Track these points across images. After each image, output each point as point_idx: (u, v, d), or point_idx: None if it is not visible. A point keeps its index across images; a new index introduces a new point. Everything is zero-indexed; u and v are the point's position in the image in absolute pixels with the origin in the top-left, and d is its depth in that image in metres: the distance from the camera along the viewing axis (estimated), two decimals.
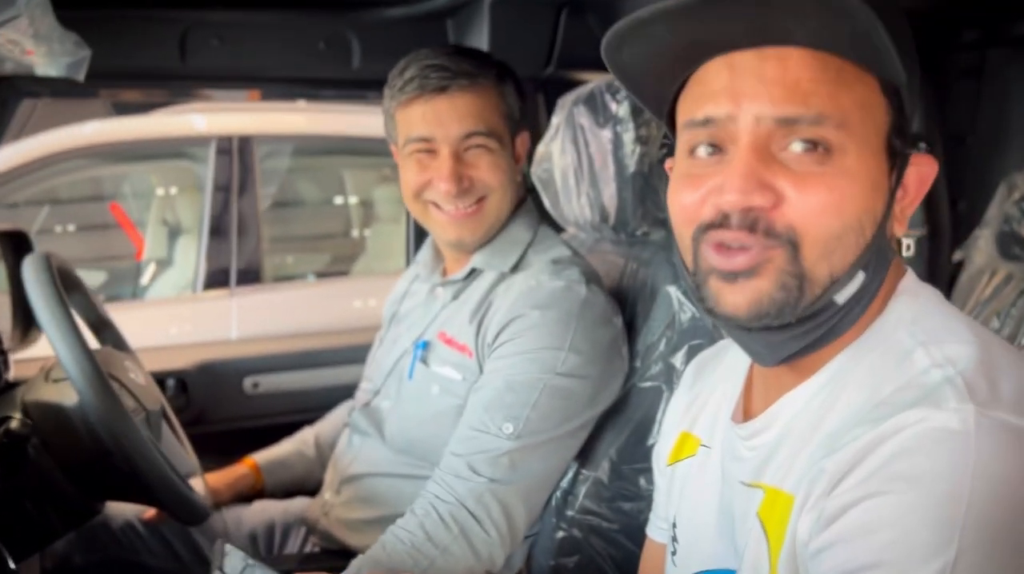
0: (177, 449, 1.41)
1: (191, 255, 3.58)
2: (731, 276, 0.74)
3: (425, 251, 1.51)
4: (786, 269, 0.72)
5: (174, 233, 3.87)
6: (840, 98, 0.71)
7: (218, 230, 3.47)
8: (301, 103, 3.95)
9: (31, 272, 1.19)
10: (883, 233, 0.75)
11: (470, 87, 1.29)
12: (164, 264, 3.85)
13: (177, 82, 1.76)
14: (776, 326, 0.75)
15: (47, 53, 1.46)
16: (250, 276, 3.48)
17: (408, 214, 2.29)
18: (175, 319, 2.78)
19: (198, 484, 1.42)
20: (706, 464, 0.92)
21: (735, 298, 0.74)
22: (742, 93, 0.72)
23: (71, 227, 4.10)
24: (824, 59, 0.72)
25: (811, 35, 0.70)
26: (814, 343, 0.77)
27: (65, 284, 1.40)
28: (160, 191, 3.89)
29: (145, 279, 3.87)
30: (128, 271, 3.98)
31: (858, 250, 0.73)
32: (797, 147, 0.71)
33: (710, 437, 0.94)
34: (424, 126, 1.30)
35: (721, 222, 0.73)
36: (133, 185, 4.01)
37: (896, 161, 0.75)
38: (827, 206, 0.70)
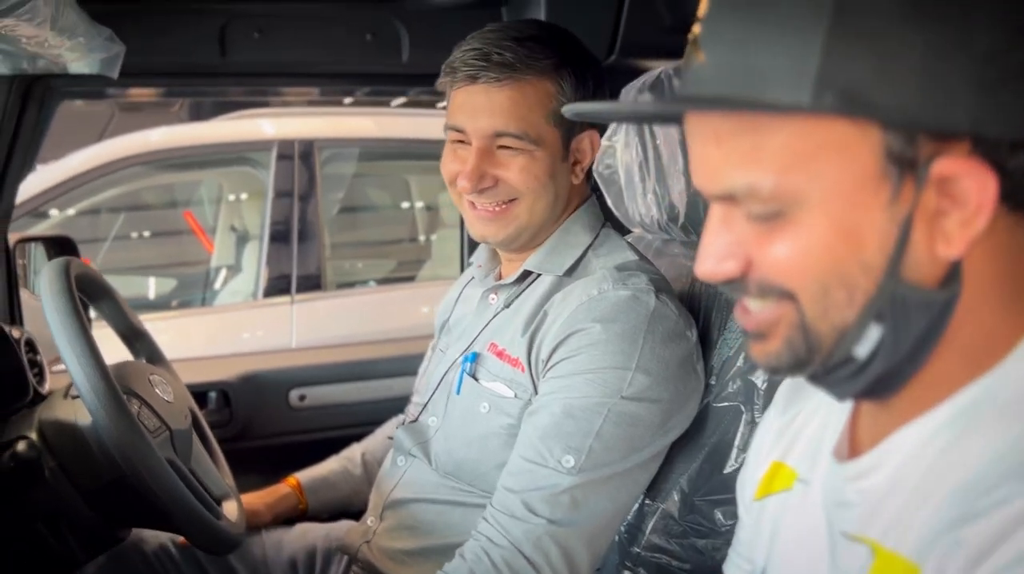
0: (210, 470, 1.31)
1: (255, 262, 3.55)
2: (749, 335, 0.68)
3: (483, 250, 1.38)
4: (793, 323, 0.63)
5: (242, 239, 3.86)
6: (762, 160, 0.59)
7: (279, 236, 3.43)
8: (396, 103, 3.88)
9: (46, 279, 1.10)
10: (896, 277, 0.60)
11: (507, 81, 1.15)
12: (233, 270, 3.84)
13: (218, 79, 1.68)
14: (809, 375, 0.66)
15: (76, 48, 1.39)
16: (311, 283, 3.42)
17: (461, 251, 2.17)
18: (232, 328, 2.71)
19: (232, 507, 1.32)
20: (805, 504, 0.76)
21: (754, 353, 0.68)
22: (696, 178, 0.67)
23: (146, 233, 4.12)
24: (737, 122, 0.61)
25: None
26: (885, 382, 0.64)
27: (92, 293, 1.32)
28: (228, 197, 3.88)
29: (216, 285, 3.87)
30: (198, 278, 3.98)
31: (858, 304, 0.60)
32: (747, 219, 0.63)
33: (809, 471, 0.77)
34: (460, 115, 1.19)
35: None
36: (202, 191, 4.01)
37: (913, 179, 0.58)
38: (791, 262, 0.61)
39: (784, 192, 0.59)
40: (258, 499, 1.52)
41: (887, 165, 0.58)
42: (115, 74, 1.46)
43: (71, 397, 1.14)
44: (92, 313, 1.42)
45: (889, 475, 0.65)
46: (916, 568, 0.59)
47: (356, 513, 1.52)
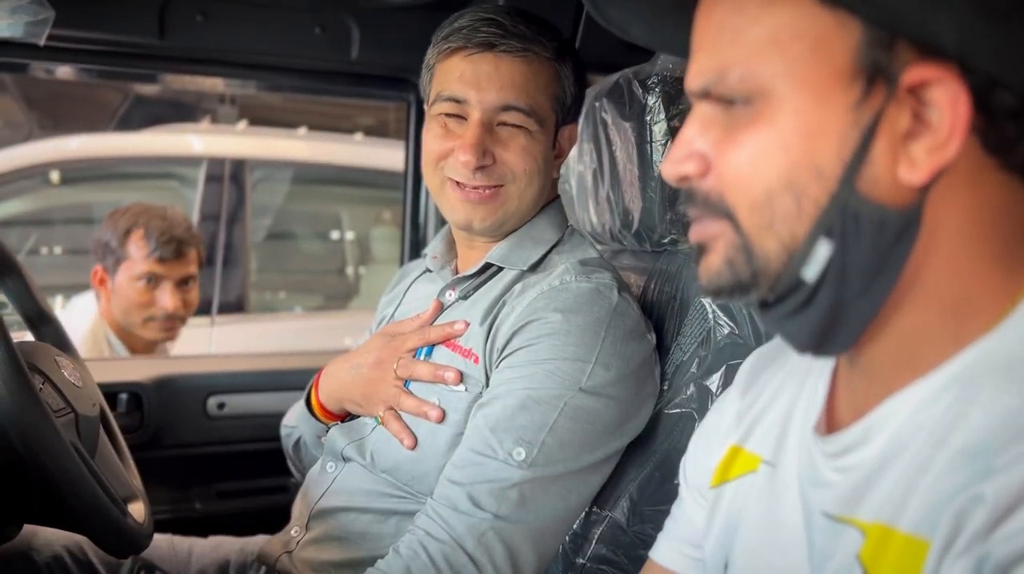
0: (116, 466, 1.19)
1: None
2: (696, 248, 0.67)
3: (438, 241, 1.31)
4: (733, 243, 0.62)
5: None
6: (740, 43, 0.59)
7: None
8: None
9: None
10: (850, 186, 0.57)
11: (521, 52, 1.12)
12: None
13: (154, 62, 1.58)
14: (760, 304, 0.64)
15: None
16: (233, 310, 3.27)
17: (402, 256, 2.10)
18: None
19: (140, 510, 1.19)
20: (774, 486, 0.71)
21: (699, 272, 0.66)
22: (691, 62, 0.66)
23: (57, 250, 3.90)
24: (728, 8, 0.61)
25: None
26: (841, 322, 0.61)
27: None
28: None
29: None
30: None
31: (808, 216, 0.58)
32: (713, 107, 0.62)
33: (775, 453, 0.73)
34: (459, 85, 1.12)
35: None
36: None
37: (884, 84, 0.57)
38: (741, 168, 0.60)
39: (754, 80, 0.58)
40: None
41: (860, 65, 0.56)
42: (40, 40, 1.36)
43: None
44: None
45: (881, 448, 0.61)
46: (923, 542, 0.54)
47: (274, 527, 1.41)
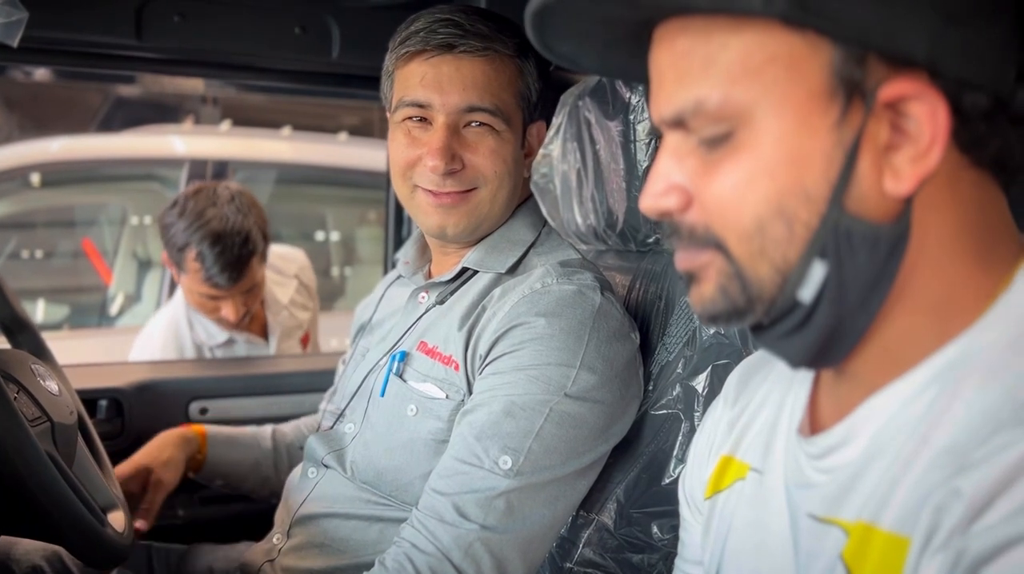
0: (95, 475, 1.17)
1: (156, 290, 3.36)
2: (684, 278, 0.65)
3: (410, 246, 1.30)
4: (725, 271, 0.60)
5: (143, 265, 3.66)
6: (711, 73, 0.57)
7: None
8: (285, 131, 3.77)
9: None
10: (840, 207, 0.56)
11: (482, 52, 1.09)
12: (132, 299, 3.63)
13: (132, 64, 1.56)
14: (753, 326, 0.62)
15: None
16: None
17: (385, 255, 2.09)
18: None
19: (120, 519, 1.17)
20: (761, 491, 0.71)
21: (691, 300, 0.64)
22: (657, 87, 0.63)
23: (39, 254, 3.86)
24: (693, 37, 0.59)
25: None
26: (838, 340, 0.60)
27: None
28: (132, 218, 3.68)
29: (112, 313, 3.65)
30: (93, 305, 3.75)
31: (800, 239, 0.57)
32: (686, 136, 0.61)
33: (762, 459, 0.72)
34: (421, 89, 1.10)
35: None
36: (103, 211, 3.80)
37: (861, 101, 0.56)
38: (726, 197, 0.59)
39: (732, 107, 0.57)
40: (160, 440, 1.41)
41: (835, 84, 0.56)
42: (13, 42, 1.34)
43: None
44: None
45: (864, 447, 0.60)
46: (903, 539, 0.53)
47: (257, 533, 1.39)
